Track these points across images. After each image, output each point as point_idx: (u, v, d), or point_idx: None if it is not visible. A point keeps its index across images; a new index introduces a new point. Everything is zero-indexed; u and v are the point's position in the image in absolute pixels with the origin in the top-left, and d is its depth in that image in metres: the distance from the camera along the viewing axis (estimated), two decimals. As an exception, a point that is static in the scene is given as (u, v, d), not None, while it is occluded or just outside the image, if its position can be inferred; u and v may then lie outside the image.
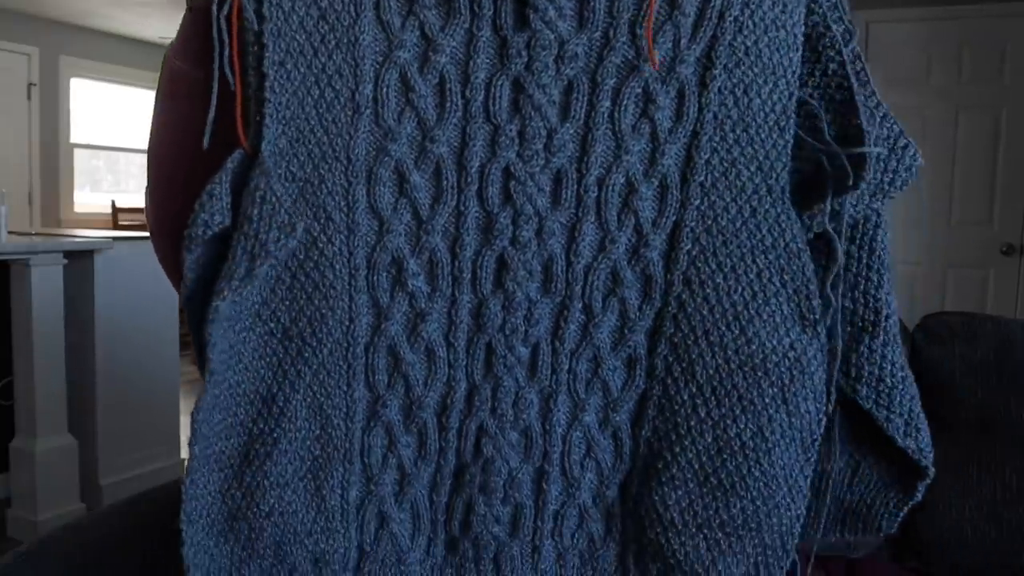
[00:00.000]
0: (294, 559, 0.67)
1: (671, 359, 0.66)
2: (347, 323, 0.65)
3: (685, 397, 0.66)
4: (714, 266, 0.64)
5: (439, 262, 0.65)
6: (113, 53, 6.36)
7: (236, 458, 0.67)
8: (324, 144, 0.63)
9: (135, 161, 6.68)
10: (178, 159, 0.70)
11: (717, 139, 0.64)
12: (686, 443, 0.66)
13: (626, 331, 0.67)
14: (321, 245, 0.64)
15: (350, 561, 0.68)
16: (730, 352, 0.65)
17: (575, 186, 0.65)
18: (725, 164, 0.64)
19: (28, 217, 5.71)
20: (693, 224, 0.65)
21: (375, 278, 0.65)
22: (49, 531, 1.11)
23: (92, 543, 1.08)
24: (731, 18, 0.63)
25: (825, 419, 0.67)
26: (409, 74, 0.63)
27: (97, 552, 1.06)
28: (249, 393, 0.66)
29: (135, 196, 6.36)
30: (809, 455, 0.66)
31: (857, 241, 0.69)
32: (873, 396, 0.70)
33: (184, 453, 3.05)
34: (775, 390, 0.65)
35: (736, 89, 0.63)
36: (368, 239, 0.65)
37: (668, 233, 0.65)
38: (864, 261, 0.69)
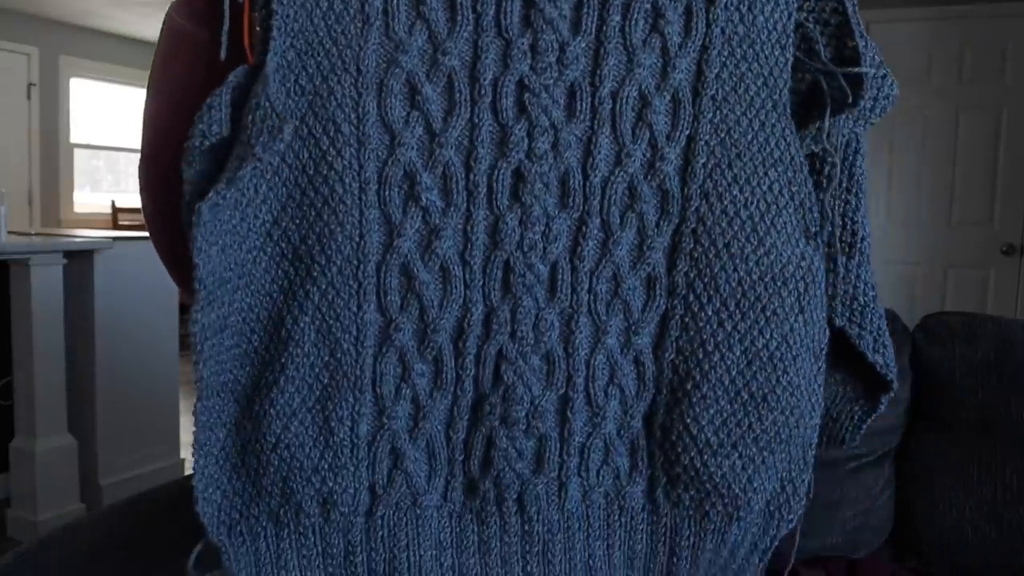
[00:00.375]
0: (300, 498, 0.64)
1: (692, 275, 0.65)
2: (357, 239, 0.62)
3: (710, 312, 0.65)
4: (730, 178, 0.65)
5: (453, 176, 0.63)
6: (113, 53, 6.36)
7: (249, 387, 0.64)
8: (333, 56, 0.62)
9: (135, 161, 6.66)
10: (177, 117, 0.68)
11: (726, 54, 0.65)
12: (715, 359, 0.65)
13: (645, 248, 0.65)
14: (331, 159, 0.62)
15: (360, 504, 0.65)
16: (751, 264, 0.65)
17: (589, 99, 0.64)
18: (734, 79, 0.65)
19: (28, 217, 5.71)
20: (708, 137, 0.65)
21: (387, 192, 0.63)
22: (49, 531, 1.11)
23: (92, 543, 1.08)
24: None
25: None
26: None
27: (97, 552, 1.06)
28: (262, 318, 0.64)
29: (135, 196, 6.35)
30: (820, 364, 0.68)
31: (839, 165, 0.71)
32: (847, 314, 0.72)
33: (184, 453, 3.05)
34: (793, 299, 0.66)
35: (741, 6, 0.65)
36: (379, 152, 0.63)
37: (683, 147, 0.65)
38: (844, 184, 0.71)
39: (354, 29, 0.62)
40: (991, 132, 3.80)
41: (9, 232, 2.65)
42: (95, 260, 2.62)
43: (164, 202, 0.70)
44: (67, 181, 6.17)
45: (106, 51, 6.31)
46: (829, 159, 0.69)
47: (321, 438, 0.63)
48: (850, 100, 0.66)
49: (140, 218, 5.62)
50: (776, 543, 0.70)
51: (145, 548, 0.98)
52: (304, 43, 0.62)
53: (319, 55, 0.62)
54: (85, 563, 1.04)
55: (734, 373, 0.65)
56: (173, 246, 0.71)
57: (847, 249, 0.71)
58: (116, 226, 5.76)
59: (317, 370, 0.63)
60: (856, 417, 0.76)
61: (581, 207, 0.65)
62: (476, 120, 0.64)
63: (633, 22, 0.64)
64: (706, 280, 0.65)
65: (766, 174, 0.65)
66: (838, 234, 0.71)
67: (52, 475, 2.56)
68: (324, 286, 0.63)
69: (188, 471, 0.67)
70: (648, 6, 0.64)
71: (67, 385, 2.61)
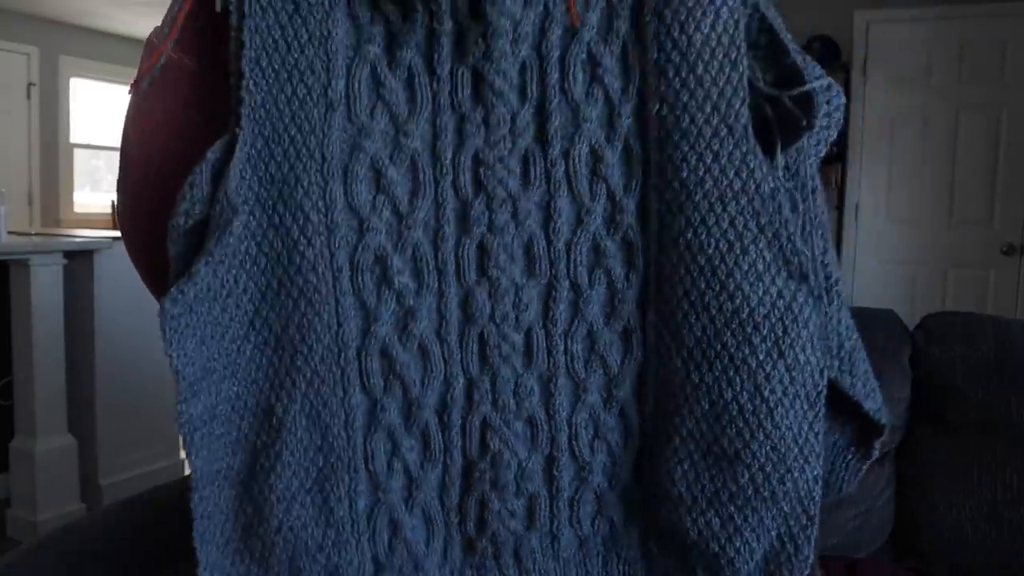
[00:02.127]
0: (308, 574, 0.66)
1: (660, 326, 0.64)
2: (335, 328, 0.63)
3: (678, 364, 0.63)
4: (682, 223, 0.61)
5: (423, 256, 0.64)
6: (113, 53, 6.36)
7: (244, 473, 0.66)
8: (298, 142, 0.62)
9: (135, 161, 6.69)
10: (168, 147, 0.69)
11: (663, 87, 0.61)
12: (684, 412, 0.63)
13: (616, 303, 0.65)
14: (302, 248, 0.62)
15: (366, 574, 0.67)
16: (713, 311, 0.61)
17: (542, 163, 0.63)
18: (676, 111, 0.61)
19: (28, 217, 5.71)
20: (656, 181, 0.62)
21: (360, 279, 0.64)
22: (49, 531, 1.11)
23: (92, 543, 1.08)
24: None
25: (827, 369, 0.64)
26: (379, 68, 0.62)
27: (97, 552, 1.06)
28: (251, 406, 0.65)
29: (135, 196, 6.35)
30: (816, 409, 0.63)
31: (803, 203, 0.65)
32: (836, 363, 0.68)
33: (184, 454, 3.04)
34: (768, 344, 0.61)
35: (672, 29, 0.60)
36: (349, 239, 0.63)
37: (639, 196, 0.63)
38: (807, 229, 0.65)
39: (317, 114, 0.62)
40: (991, 132, 3.80)
41: (9, 232, 2.65)
42: (95, 260, 2.62)
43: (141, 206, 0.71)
44: (67, 181, 6.17)
45: (106, 51, 6.32)
46: (794, 193, 0.63)
47: (322, 518, 0.65)
48: (804, 122, 0.61)
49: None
50: None
51: (145, 548, 0.98)
52: (271, 130, 0.62)
53: (285, 142, 0.62)
54: (85, 563, 1.04)
55: (704, 428, 0.63)
56: (146, 253, 0.72)
57: (823, 294, 0.66)
58: (116, 226, 5.76)
59: (311, 454, 0.65)
60: (850, 465, 0.72)
61: (548, 272, 0.65)
62: (440, 199, 0.64)
63: (572, 77, 0.62)
64: (672, 330, 0.63)
65: (724, 211, 0.61)
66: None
67: (52, 475, 2.56)
68: (309, 374, 0.64)
69: (188, 471, 0.68)
70: (584, 56, 0.62)
71: (67, 385, 2.61)
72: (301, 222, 0.62)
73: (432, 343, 0.65)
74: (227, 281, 0.63)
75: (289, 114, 0.62)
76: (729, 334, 0.61)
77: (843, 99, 0.66)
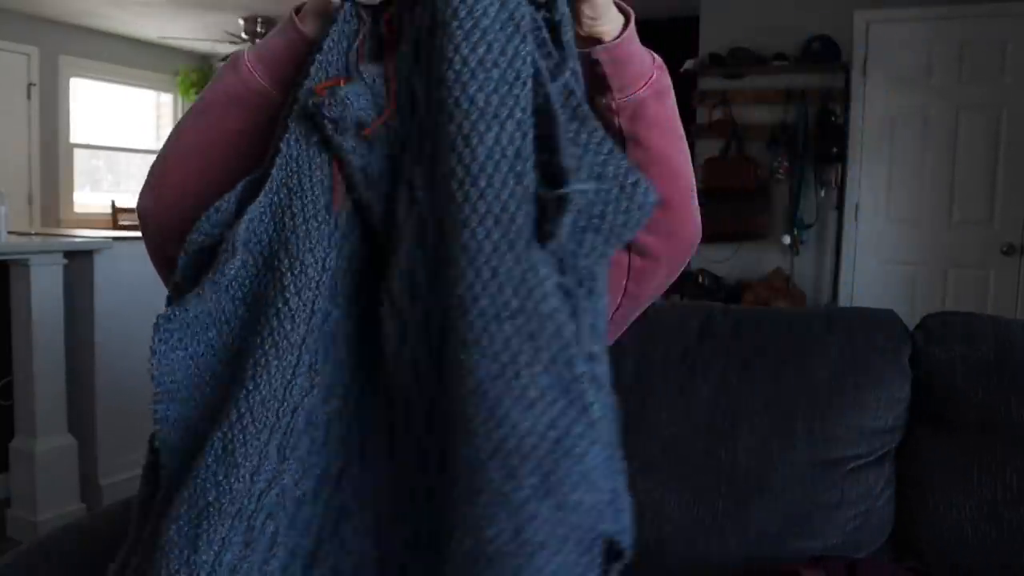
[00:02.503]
0: None
1: (441, 453, 0.61)
2: (288, 378, 0.63)
3: (453, 496, 0.58)
4: (455, 342, 0.57)
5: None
6: (113, 53, 6.35)
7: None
8: (318, 203, 0.65)
9: (135, 161, 6.67)
10: (225, 163, 0.71)
11: (445, 202, 0.58)
12: (452, 548, 0.57)
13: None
14: (288, 295, 0.63)
15: None
16: (480, 440, 0.55)
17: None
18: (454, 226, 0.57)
19: (28, 217, 5.70)
20: (433, 299, 0.60)
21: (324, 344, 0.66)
22: (49, 531, 1.11)
23: (92, 543, 1.08)
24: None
25: (617, 511, 0.58)
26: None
27: (97, 552, 1.06)
28: (198, 426, 0.66)
29: (135, 196, 6.35)
30: (592, 555, 0.56)
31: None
32: None
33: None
34: (535, 479, 0.54)
35: (457, 145, 0.57)
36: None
37: (422, 315, 0.62)
38: (588, 345, 0.60)
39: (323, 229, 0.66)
40: (991, 132, 3.80)
41: (9, 232, 2.65)
42: (95, 260, 2.62)
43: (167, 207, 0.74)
44: (67, 181, 6.16)
45: (106, 51, 6.31)
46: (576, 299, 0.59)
47: (184, 554, 0.61)
48: (551, 228, 0.56)
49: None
50: None
51: (145, 548, 0.98)
52: (297, 183, 0.64)
53: (306, 198, 0.64)
54: (85, 563, 1.03)
55: (467, 568, 0.56)
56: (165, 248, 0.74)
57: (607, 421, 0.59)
58: (116, 226, 5.75)
59: (209, 487, 0.62)
60: None
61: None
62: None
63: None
64: (449, 459, 0.59)
65: (500, 330, 0.55)
66: None
67: (52, 475, 2.56)
68: (244, 411, 0.63)
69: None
70: None
71: (67, 385, 2.61)
72: (296, 271, 0.63)
73: (334, 434, 0.66)
74: (214, 311, 0.64)
75: (318, 175, 0.64)
76: (496, 466, 0.54)
77: (652, 197, 0.63)
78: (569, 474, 0.55)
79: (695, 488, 1.21)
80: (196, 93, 6.35)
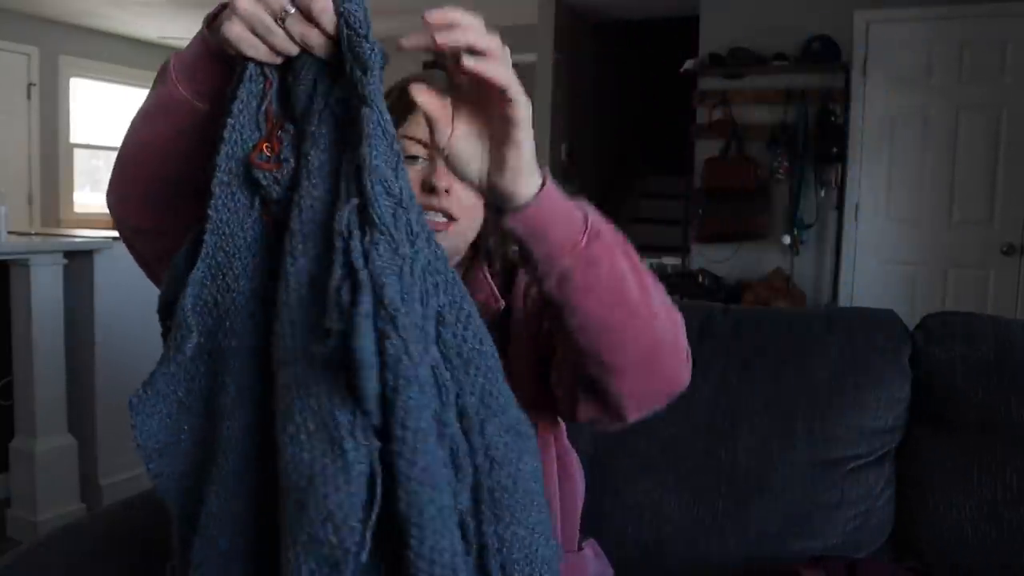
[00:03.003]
0: None
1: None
2: (243, 444, 0.66)
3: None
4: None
5: None
6: (113, 53, 6.36)
7: None
8: (247, 271, 0.66)
9: (135, 161, 6.68)
10: (177, 157, 0.72)
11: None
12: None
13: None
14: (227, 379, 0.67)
15: None
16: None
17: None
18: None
19: (28, 217, 5.71)
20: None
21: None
22: (49, 531, 1.11)
23: (92, 543, 1.08)
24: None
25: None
26: None
27: (97, 552, 1.06)
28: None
29: (135, 196, 6.35)
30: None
31: None
32: None
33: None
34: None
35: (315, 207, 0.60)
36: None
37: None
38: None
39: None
40: (991, 132, 3.80)
41: (9, 232, 2.65)
42: (95, 260, 2.62)
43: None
44: (67, 181, 6.16)
45: (106, 51, 6.31)
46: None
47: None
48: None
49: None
50: None
51: (145, 548, 0.98)
52: (232, 245, 0.65)
53: (236, 267, 0.65)
54: (85, 563, 1.04)
55: None
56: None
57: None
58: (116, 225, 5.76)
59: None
60: None
61: None
62: None
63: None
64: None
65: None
66: None
67: (52, 475, 2.56)
68: (221, 463, 0.66)
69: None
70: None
71: (67, 385, 2.61)
72: (235, 345, 0.65)
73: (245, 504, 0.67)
74: (178, 386, 0.68)
75: (251, 235, 0.65)
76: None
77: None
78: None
79: (695, 488, 1.21)
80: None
